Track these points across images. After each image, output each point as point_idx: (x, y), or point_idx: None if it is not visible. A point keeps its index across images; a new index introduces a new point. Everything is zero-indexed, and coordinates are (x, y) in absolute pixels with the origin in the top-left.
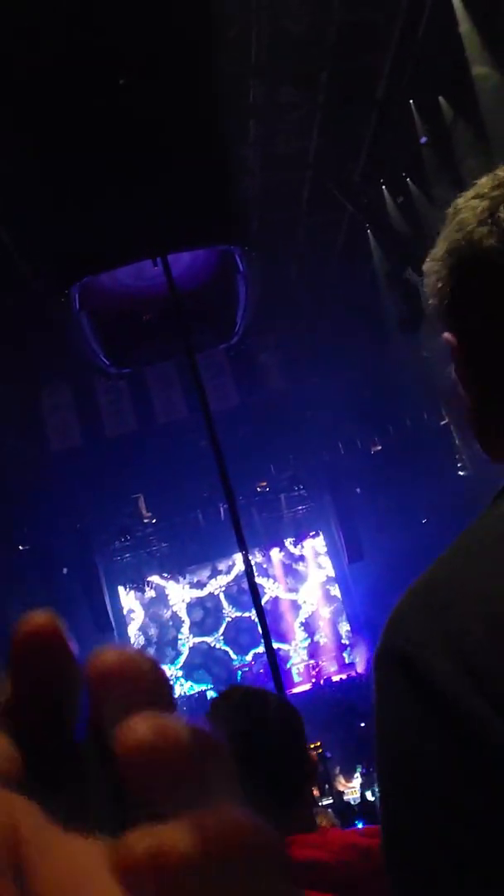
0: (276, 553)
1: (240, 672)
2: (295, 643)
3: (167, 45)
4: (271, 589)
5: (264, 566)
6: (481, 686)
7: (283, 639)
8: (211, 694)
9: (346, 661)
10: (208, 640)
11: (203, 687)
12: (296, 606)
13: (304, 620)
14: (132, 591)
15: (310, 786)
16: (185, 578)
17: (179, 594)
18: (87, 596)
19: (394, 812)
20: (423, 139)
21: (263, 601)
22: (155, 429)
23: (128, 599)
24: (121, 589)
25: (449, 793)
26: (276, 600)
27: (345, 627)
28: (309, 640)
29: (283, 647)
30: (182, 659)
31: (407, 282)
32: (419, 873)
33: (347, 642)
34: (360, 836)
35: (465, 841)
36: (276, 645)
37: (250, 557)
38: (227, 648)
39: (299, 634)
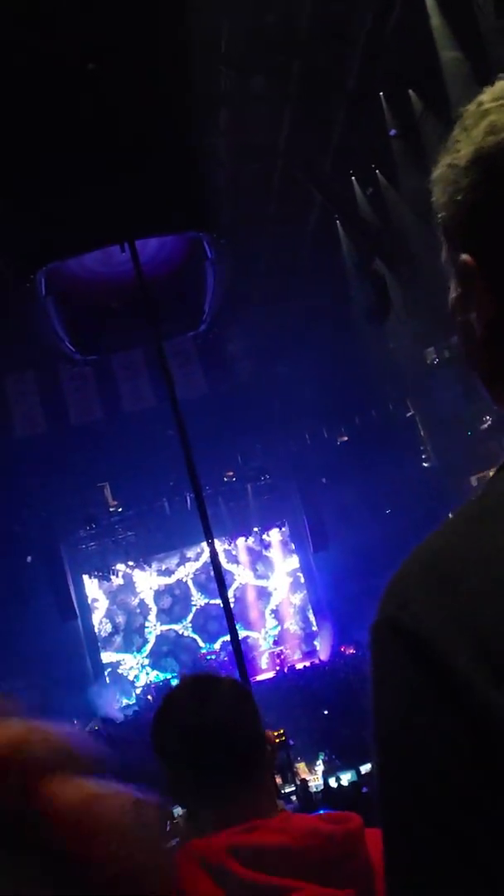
0: (241, 542)
1: (209, 658)
2: (265, 631)
3: (137, 31)
4: (241, 576)
5: (234, 553)
6: (488, 657)
7: (253, 627)
8: (175, 681)
9: (310, 649)
10: (176, 627)
11: (168, 676)
12: (265, 594)
13: (274, 608)
14: (97, 580)
15: (269, 768)
16: (151, 567)
17: (147, 582)
18: (52, 584)
19: (390, 792)
20: (393, 131)
21: (233, 588)
22: (121, 417)
23: (93, 588)
24: (86, 577)
25: (454, 777)
26: (245, 588)
27: (309, 616)
28: (279, 628)
29: (253, 634)
30: (148, 647)
31: (375, 272)
32: (420, 858)
33: (314, 630)
34: (323, 821)
35: (466, 822)
36: (245, 633)
37: (220, 545)
38: (196, 636)
39: (269, 622)
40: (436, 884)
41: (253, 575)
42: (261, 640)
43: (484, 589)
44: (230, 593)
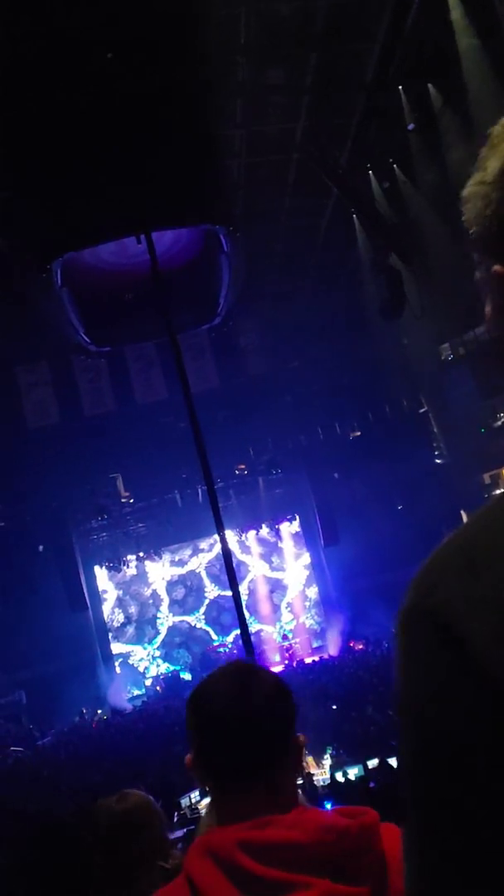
0: (252, 535)
1: (220, 651)
2: (279, 625)
3: (155, 22)
4: (256, 568)
5: (248, 544)
6: None
7: (267, 620)
8: (187, 676)
9: (319, 643)
10: (189, 619)
11: (177, 668)
12: (280, 587)
13: (290, 602)
14: (108, 570)
15: (293, 769)
16: (160, 558)
17: (159, 572)
18: (63, 574)
19: (417, 767)
20: (411, 126)
21: (247, 580)
22: (134, 409)
23: (103, 578)
24: (97, 568)
25: (479, 751)
26: (259, 580)
27: (318, 610)
28: (295, 622)
29: (267, 628)
30: (160, 638)
31: (391, 267)
32: (445, 826)
33: (323, 624)
34: (337, 816)
35: (490, 792)
36: (260, 626)
37: (233, 536)
38: (209, 628)
39: (285, 616)
40: (464, 843)
41: (269, 567)
42: (275, 633)
43: None
44: (245, 586)
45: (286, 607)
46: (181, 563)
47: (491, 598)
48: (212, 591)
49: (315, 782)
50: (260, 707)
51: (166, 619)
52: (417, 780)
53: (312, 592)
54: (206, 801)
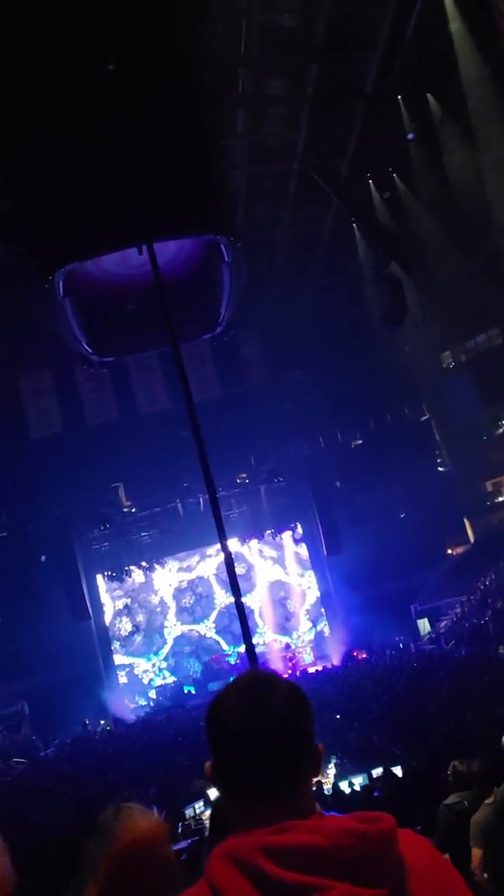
0: (254, 544)
1: (225, 661)
2: (296, 634)
3: (156, 34)
4: (270, 574)
5: (262, 551)
6: None
7: (281, 629)
8: (190, 690)
9: (322, 653)
10: (199, 628)
11: (178, 680)
12: (293, 595)
13: (307, 609)
14: (110, 580)
15: (311, 775)
16: (164, 567)
17: (166, 578)
18: (65, 584)
19: None
20: (411, 135)
21: (263, 585)
22: (136, 418)
23: (106, 587)
24: (99, 577)
25: None
26: (275, 588)
27: (321, 619)
28: (314, 631)
29: (282, 638)
30: (166, 649)
31: (391, 276)
32: None
33: (326, 634)
34: (355, 821)
35: None
36: (275, 637)
37: (237, 544)
38: (219, 638)
39: (304, 624)
40: None
41: (283, 572)
42: (291, 642)
43: None
44: (262, 592)
45: (305, 615)
46: (189, 568)
47: None
48: (222, 598)
49: (323, 790)
50: (277, 717)
51: (173, 628)
52: None
53: (304, 604)
54: (214, 791)
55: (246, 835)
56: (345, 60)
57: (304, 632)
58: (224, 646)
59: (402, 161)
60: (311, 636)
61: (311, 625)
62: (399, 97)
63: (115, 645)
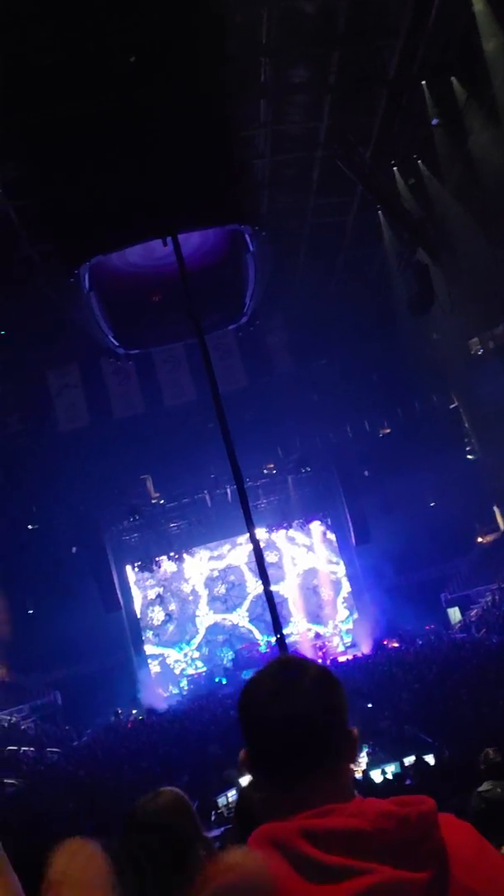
0: (282, 534)
1: (262, 648)
2: (332, 623)
3: (178, 25)
4: (305, 562)
5: (294, 539)
6: None
7: (318, 619)
8: (220, 679)
9: (352, 641)
10: (232, 617)
11: (210, 669)
12: (332, 584)
13: (345, 596)
14: (140, 571)
15: (348, 760)
16: (193, 556)
17: (197, 567)
18: (96, 575)
19: None
20: (435, 121)
21: (295, 574)
22: (162, 410)
23: (135, 578)
24: (128, 568)
25: None
26: (307, 576)
27: (352, 608)
28: (352, 620)
29: (317, 628)
30: (198, 638)
31: (418, 263)
32: None
33: (353, 623)
34: (396, 804)
35: None
36: (310, 626)
37: (265, 533)
38: (252, 627)
39: (341, 613)
40: None
41: (316, 559)
42: (327, 631)
43: None
44: (294, 580)
45: (342, 603)
46: (220, 557)
47: None
48: (254, 586)
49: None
50: (308, 700)
51: (205, 617)
52: None
53: (344, 590)
54: (245, 781)
55: (285, 819)
56: (367, 47)
57: (339, 620)
58: (257, 634)
59: (427, 147)
60: (350, 625)
61: (347, 613)
62: (423, 82)
63: (148, 634)
